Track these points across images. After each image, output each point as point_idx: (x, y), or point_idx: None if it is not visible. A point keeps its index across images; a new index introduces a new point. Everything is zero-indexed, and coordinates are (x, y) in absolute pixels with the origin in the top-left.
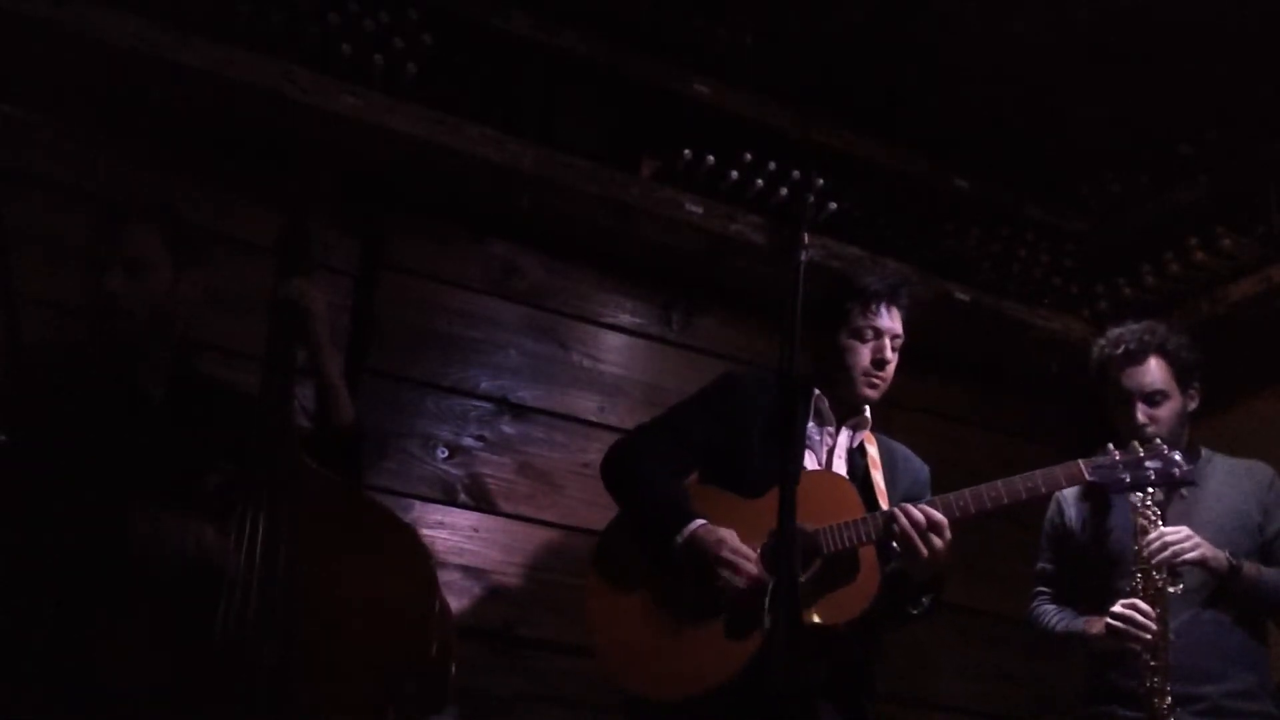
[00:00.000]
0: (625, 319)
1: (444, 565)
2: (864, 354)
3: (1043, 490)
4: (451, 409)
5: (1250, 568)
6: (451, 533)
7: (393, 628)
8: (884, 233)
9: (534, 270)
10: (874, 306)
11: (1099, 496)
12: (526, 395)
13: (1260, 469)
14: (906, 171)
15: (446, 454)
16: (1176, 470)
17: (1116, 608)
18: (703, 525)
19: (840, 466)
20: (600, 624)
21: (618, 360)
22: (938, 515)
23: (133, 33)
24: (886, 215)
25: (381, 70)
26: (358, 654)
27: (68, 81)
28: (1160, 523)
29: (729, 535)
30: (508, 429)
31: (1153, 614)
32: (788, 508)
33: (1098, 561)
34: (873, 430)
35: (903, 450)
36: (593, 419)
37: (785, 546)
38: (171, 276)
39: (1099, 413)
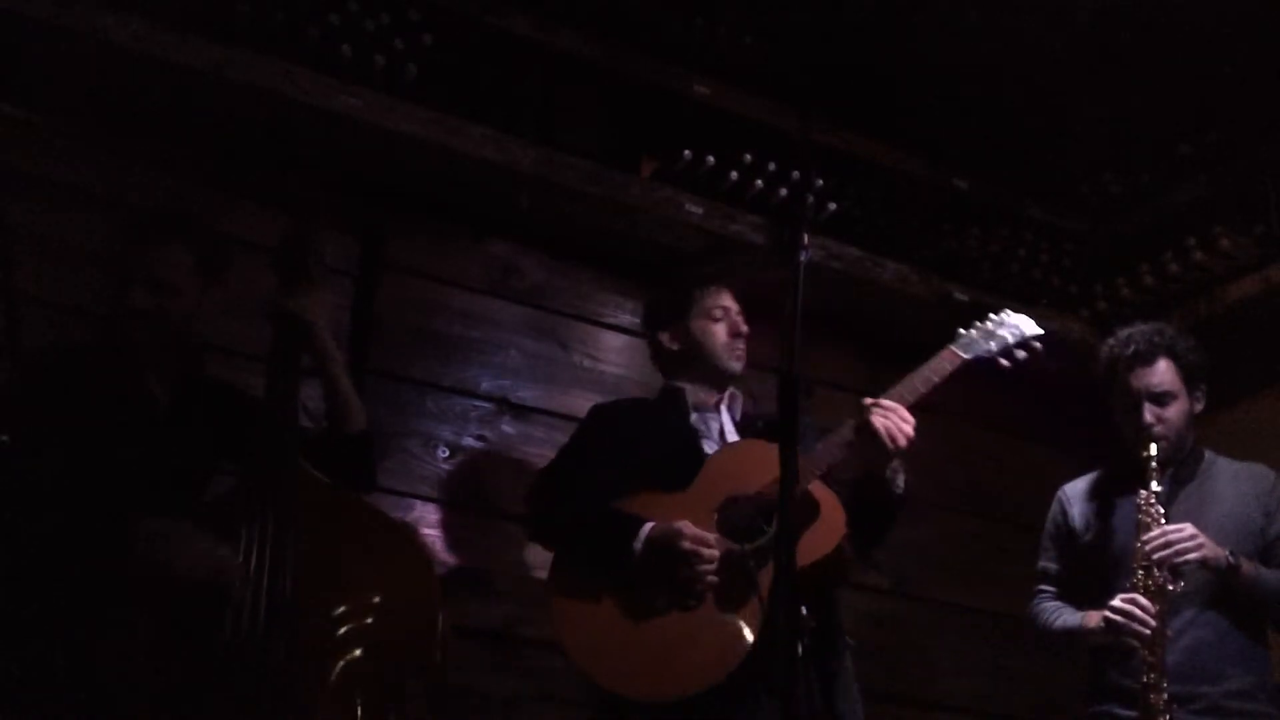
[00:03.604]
0: (625, 319)
1: (444, 565)
2: (720, 331)
3: (935, 381)
4: (452, 409)
5: (1249, 566)
6: (452, 533)
7: (395, 631)
8: (884, 233)
9: (534, 270)
10: (715, 287)
11: (1103, 496)
12: (527, 395)
13: (1262, 471)
14: (906, 171)
15: (447, 454)
16: (1016, 336)
17: (1115, 601)
18: (654, 525)
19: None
20: (577, 642)
21: (618, 360)
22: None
23: (133, 33)
24: (886, 215)
25: (381, 70)
26: (361, 658)
27: (69, 81)
28: (1164, 520)
29: (684, 525)
30: (508, 429)
31: (1152, 609)
32: (786, 509)
33: (1100, 560)
34: (746, 399)
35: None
36: None
37: (784, 552)
38: (198, 297)
39: (1100, 412)
